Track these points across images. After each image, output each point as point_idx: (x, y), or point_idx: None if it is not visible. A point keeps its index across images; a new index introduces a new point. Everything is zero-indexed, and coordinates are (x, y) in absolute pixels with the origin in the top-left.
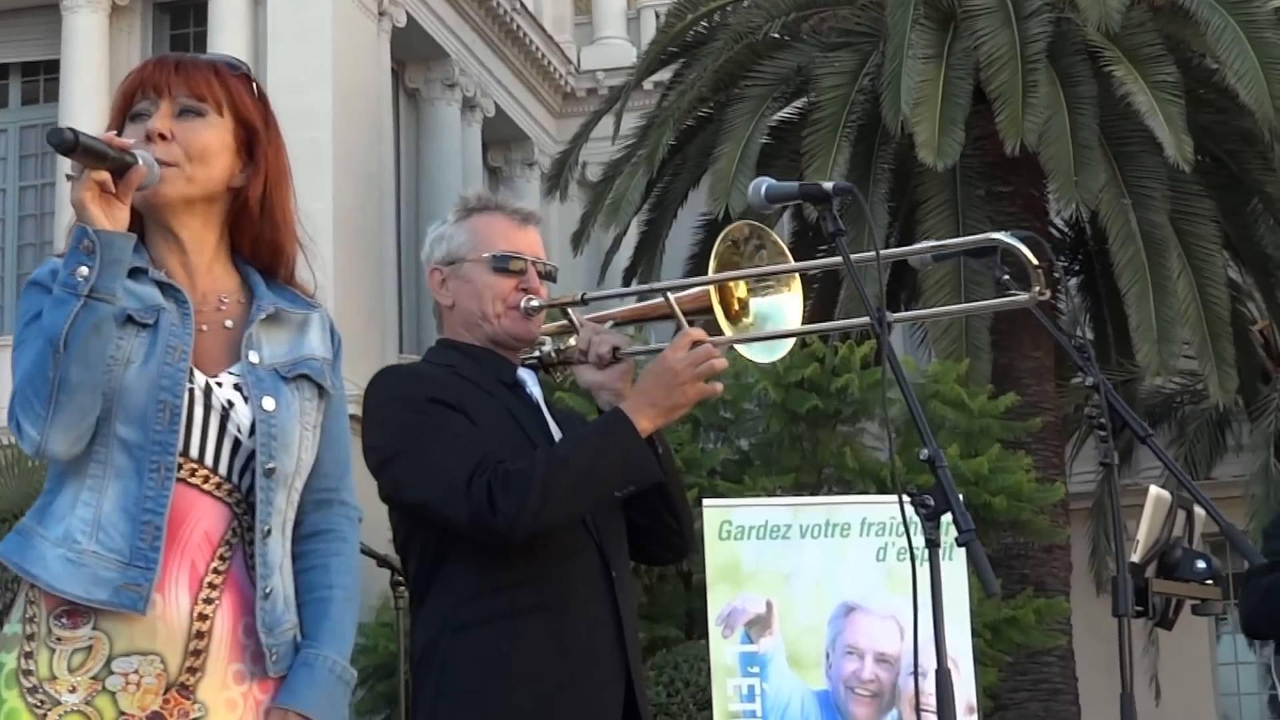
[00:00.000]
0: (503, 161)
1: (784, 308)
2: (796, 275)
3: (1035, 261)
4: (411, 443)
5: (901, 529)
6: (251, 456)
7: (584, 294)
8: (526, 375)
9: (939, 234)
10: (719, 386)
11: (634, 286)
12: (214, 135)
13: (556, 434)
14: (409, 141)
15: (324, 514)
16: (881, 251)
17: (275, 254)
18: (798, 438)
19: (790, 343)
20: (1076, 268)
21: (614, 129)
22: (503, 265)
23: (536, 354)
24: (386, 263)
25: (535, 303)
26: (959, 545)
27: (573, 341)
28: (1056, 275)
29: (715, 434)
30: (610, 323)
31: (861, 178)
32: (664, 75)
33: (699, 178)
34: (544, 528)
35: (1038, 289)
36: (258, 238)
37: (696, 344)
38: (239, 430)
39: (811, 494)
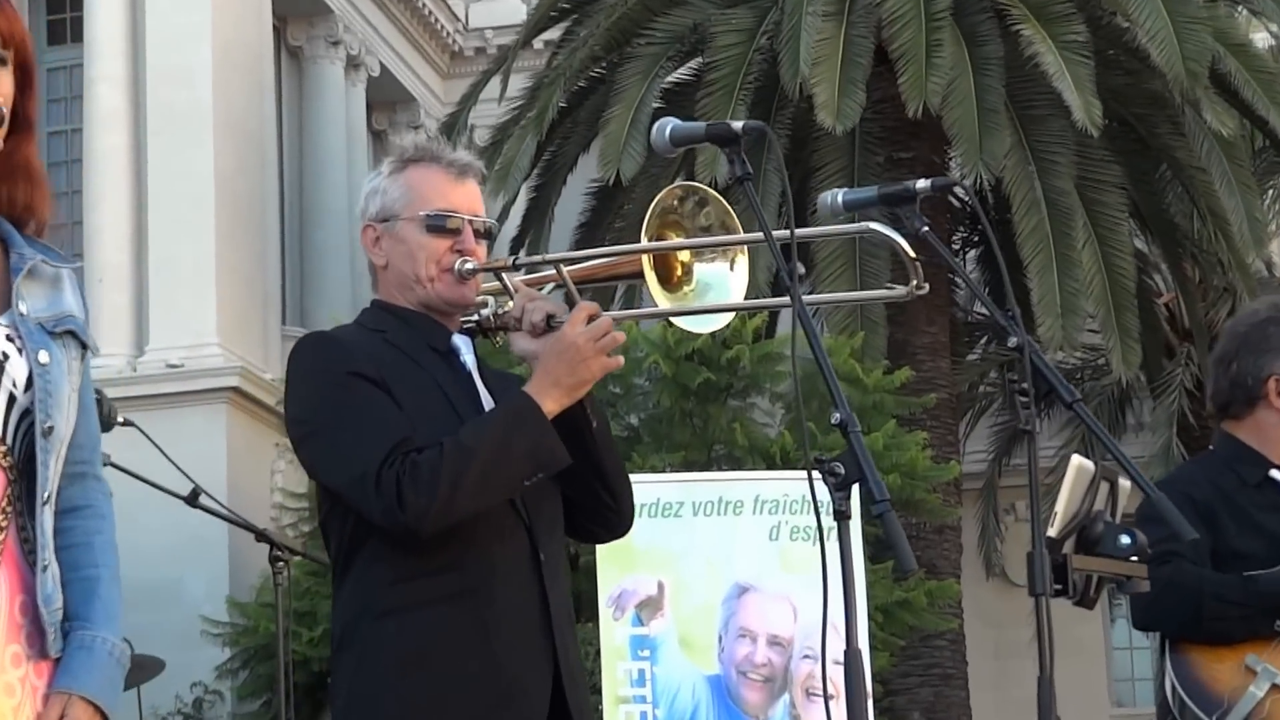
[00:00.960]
0: (388, 124)
1: (728, 277)
2: (743, 250)
3: (912, 254)
4: (326, 422)
5: (796, 507)
6: (23, 416)
7: (514, 259)
8: (461, 341)
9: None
10: (620, 360)
11: (571, 251)
12: (7, 82)
13: (488, 404)
14: (291, 102)
15: (80, 488)
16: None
17: (28, 204)
18: (688, 413)
19: (728, 316)
20: (976, 238)
21: (501, 90)
22: (437, 224)
23: (475, 317)
24: (269, 229)
25: (470, 265)
26: (875, 515)
27: (510, 306)
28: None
29: (604, 409)
30: (548, 287)
31: (757, 141)
32: (555, 34)
33: (590, 142)
34: (455, 520)
35: (914, 282)
36: (12, 186)
37: (593, 317)
38: (14, 385)
39: (702, 471)
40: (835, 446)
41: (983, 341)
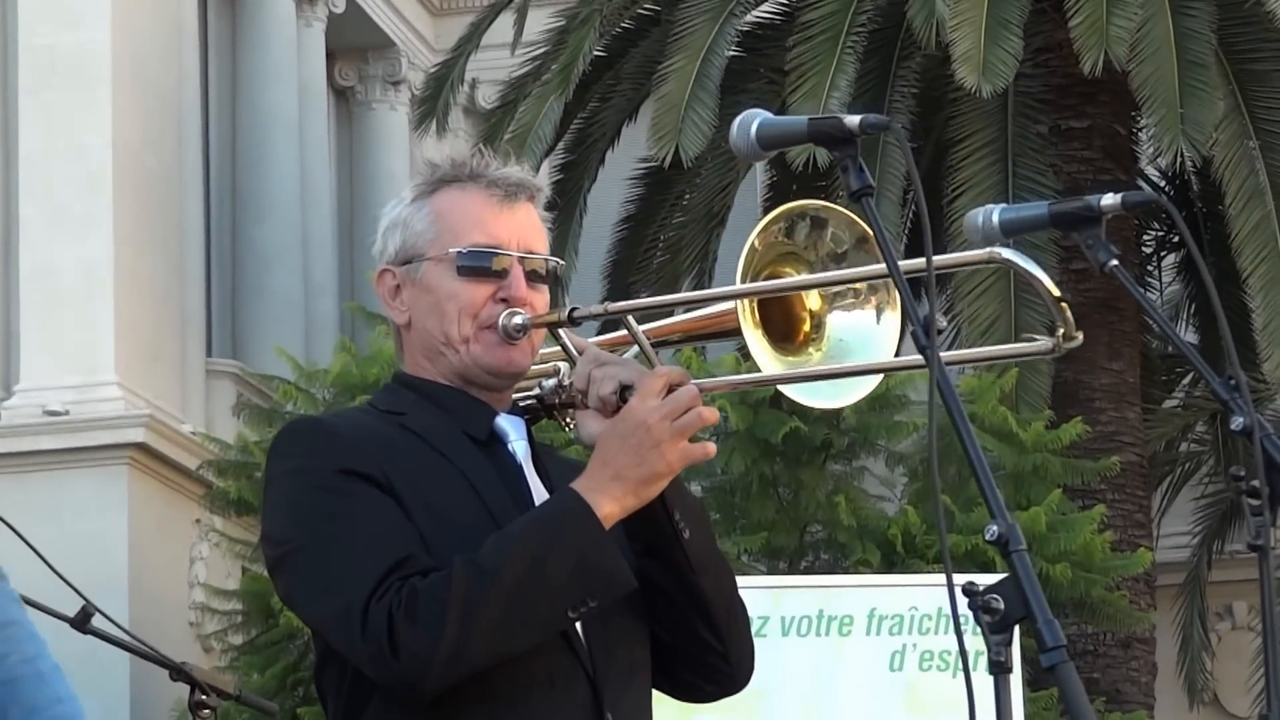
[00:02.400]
0: (356, 79)
1: (873, 330)
2: (892, 285)
3: (1055, 293)
4: (306, 539)
5: (928, 624)
6: None
7: (572, 310)
8: (510, 425)
9: (981, 189)
10: (711, 447)
11: (651, 298)
12: None
13: None
14: (221, 50)
15: None
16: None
17: None
18: (771, 480)
19: (872, 382)
20: (1175, 239)
21: (515, 33)
22: (474, 265)
23: (536, 391)
24: (189, 225)
25: (519, 320)
26: (1045, 669)
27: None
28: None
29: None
30: (626, 349)
31: (869, 109)
32: None
33: (637, 107)
34: (471, 669)
35: (1062, 333)
36: None
37: (674, 387)
38: None
39: (791, 565)
40: (981, 527)
41: (1186, 381)
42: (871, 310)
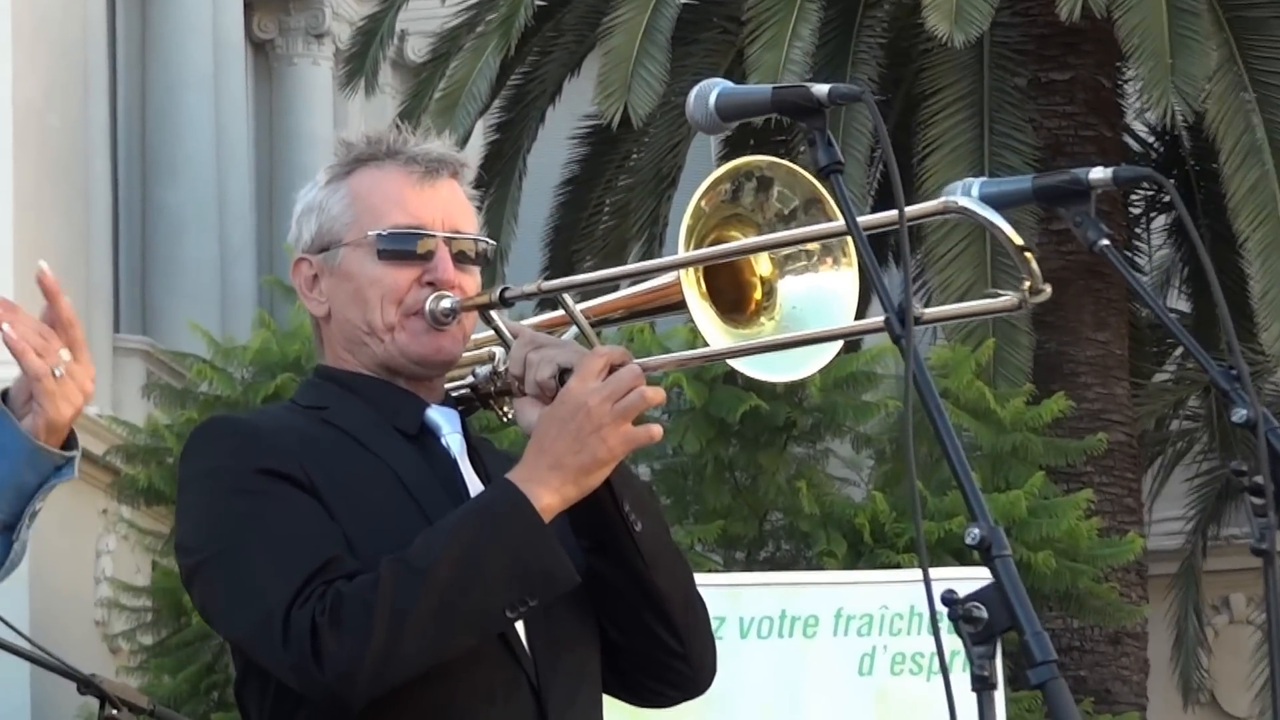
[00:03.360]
0: (276, 31)
1: (830, 294)
2: (849, 243)
3: (1018, 241)
4: (222, 546)
5: (899, 623)
6: None
7: (503, 290)
8: (443, 417)
9: (953, 147)
10: (657, 430)
11: (587, 274)
12: None
13: None
14: (130, 1)
15: None
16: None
17: None
18: (727, 463)
19: (831, 351)
20: (1165, 199)
21: None
22: (395, 248)
23: (469, 379)
24: (96, 190)
25: (446, 303)
26: (1034, 686)
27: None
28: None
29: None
30: (565, 331)
31: (834, 59)
32: None
33: (581, 60)
34: (402, 677)
35: (1028, 286)
36: None
37: (615, 367)
38: None
39: (749, 555)
40: (956, 511)
41: (1178, 354)
42: (827, 272)
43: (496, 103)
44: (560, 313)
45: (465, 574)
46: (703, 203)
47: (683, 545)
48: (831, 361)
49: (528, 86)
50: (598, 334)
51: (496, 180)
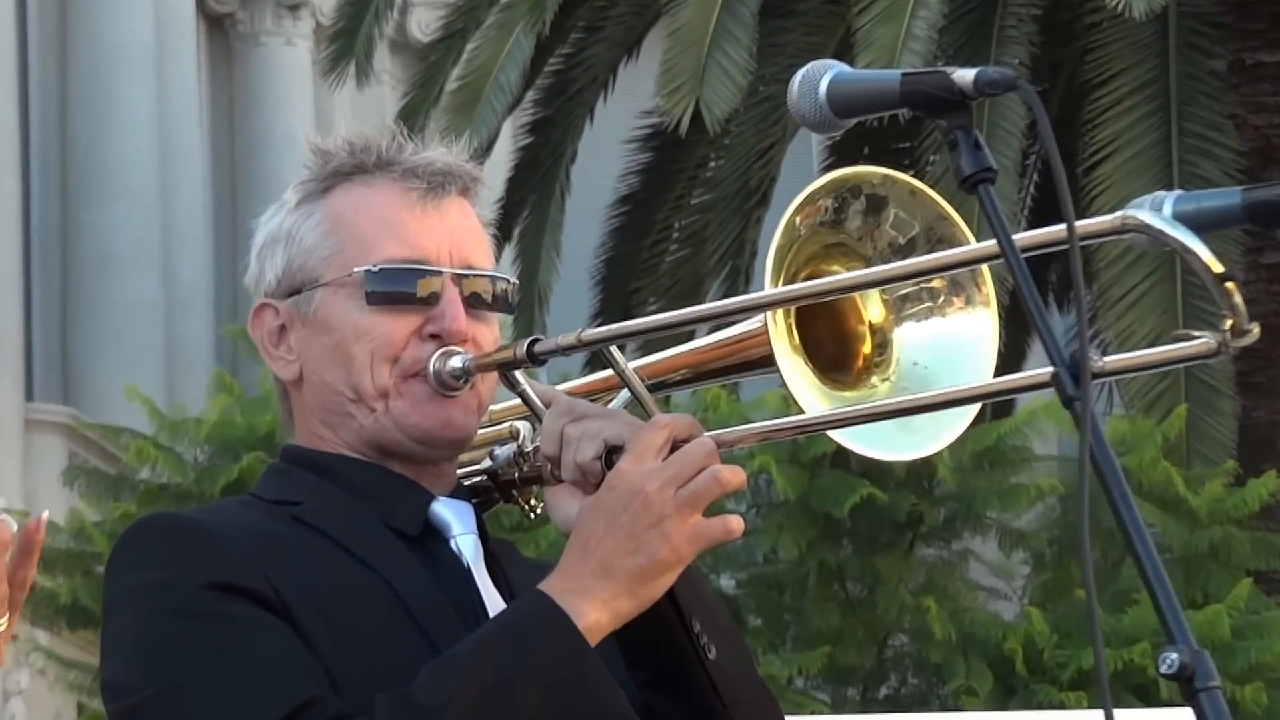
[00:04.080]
0: (237, 4)
1: (965, 341)
2: (986, 276)
3: (1216, 269)
4: (164, 684)
5: None
6: None
7: (531, 344)
8: (453, 513)
9: (1132, 157)
10: (736, 523)
11: (641, 320)
12: None
13: None
14: None
15: None
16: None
17: None
18: (835, 572)
19: (965, 419)
20: None
21: None
22: (389, 290)
23: (485, 464)
24: (2, 212)
25: (457, 361)
26: None
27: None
28: None
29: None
30: (615, 396)
31: (971, 37)
32: None
33: (639, 40)
34: None
35: (1230, 325)
36: None
37: (679, 442)
38: None
39: (865, 694)
40: (1137, 635)
41: None
42: (958, 315)
43: (530, 95)
44: (608, 373)
45: (489, 714)
46: (797, 219)
47: (776, 679)
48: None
49: (571, 74)
50: (663, 400)
51: (531, 198)
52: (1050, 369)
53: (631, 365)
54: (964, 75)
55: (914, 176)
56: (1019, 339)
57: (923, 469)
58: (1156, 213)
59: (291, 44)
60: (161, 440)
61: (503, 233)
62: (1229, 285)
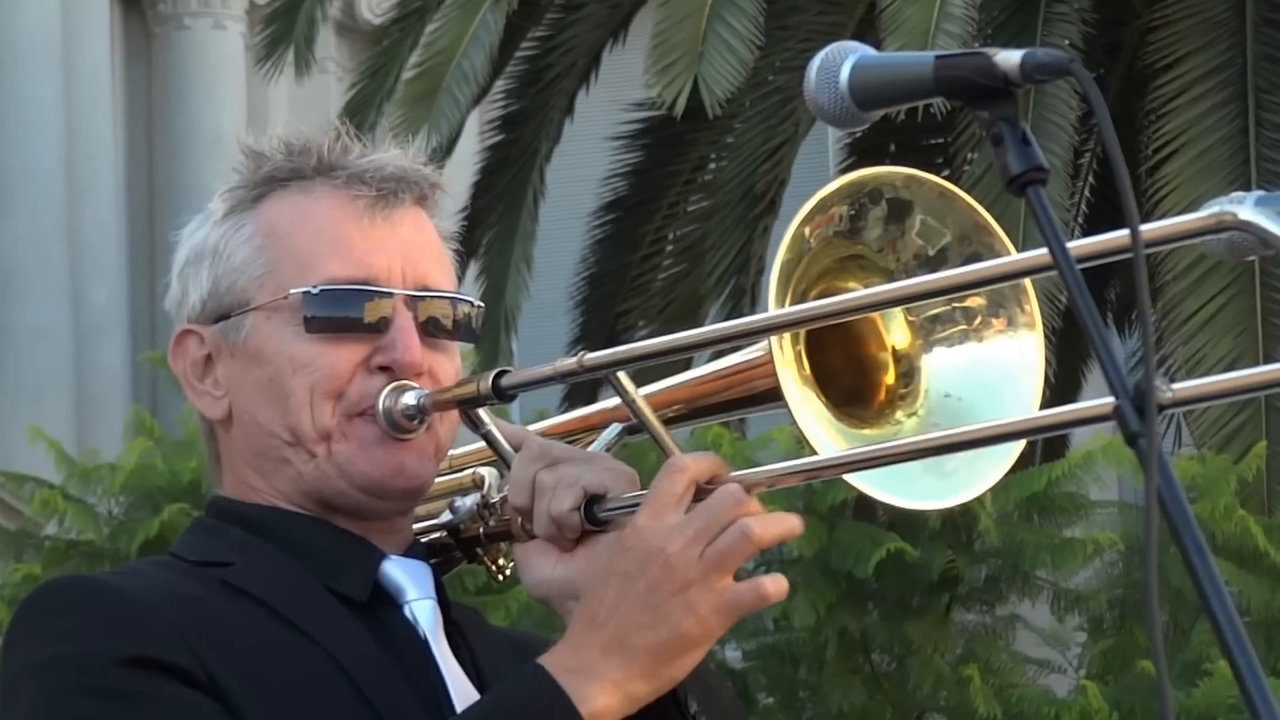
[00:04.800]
0: None
1: (1005, 369)
2: (1030, 294)
3: None
4: None
5: None
6: None
7: (498, 376)
8: (407, 574)
9: (1204, 152)
10: (781, 584)
11: (644, 343)
12: None
13: (464, 707)
14: None
15: None
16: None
17: None
18: (860, 641)
19: (1008, 460)
20: None
21: None
22: (333, 314)
23: (446, 517)
24: None
25: (411, 397)
26: None
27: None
28: None
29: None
30: (604, 436)
31: (1014, 16)
32: None
33: (626, 20)
34: None
35: None
36: None
37: (701, 490)
38: None
39: None
40: (1212, 712)
41: None
42: (997, 339)
43: (499, 85)
44: (598, 408)
45: None
46: (807, 229)
47: None
48: (1011, 478)
49: (547, 60)
50: (669, 431)
51: (500, 205)
52: (1111, 400)
53: (640, 393)
54: (1009, 58)
55: (949, 179)
56: (1073, 366)
57: (960, 520)
58: (1264, 208)
59: (220, 26)
60: (70, 490)
61: (467, 248)
62: None
